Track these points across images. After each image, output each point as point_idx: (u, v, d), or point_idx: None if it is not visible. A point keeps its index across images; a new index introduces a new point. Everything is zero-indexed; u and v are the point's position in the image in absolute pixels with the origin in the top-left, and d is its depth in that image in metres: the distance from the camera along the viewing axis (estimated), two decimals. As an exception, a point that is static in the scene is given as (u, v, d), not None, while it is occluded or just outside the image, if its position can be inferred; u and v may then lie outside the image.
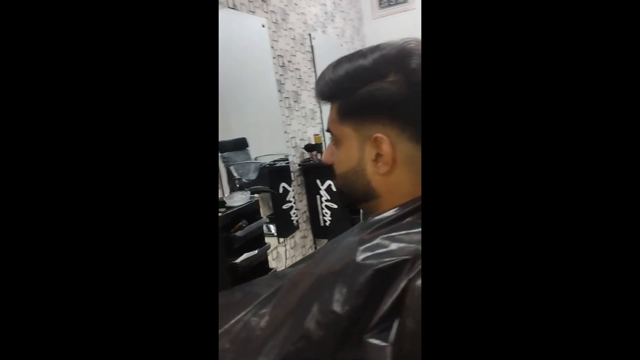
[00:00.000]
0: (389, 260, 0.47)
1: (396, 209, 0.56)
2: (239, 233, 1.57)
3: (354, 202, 0.63)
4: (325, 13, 3.33)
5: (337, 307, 0.47)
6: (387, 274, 0.47)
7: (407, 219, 0.54)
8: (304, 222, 2.78)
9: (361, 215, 0.66)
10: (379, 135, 0.55)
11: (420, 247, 0.47)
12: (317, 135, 2.89)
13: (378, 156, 0.56)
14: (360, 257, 0.50)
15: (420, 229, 0.51)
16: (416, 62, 0.52)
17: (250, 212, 1.67)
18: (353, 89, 0.55)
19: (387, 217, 0.55)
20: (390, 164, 0.56)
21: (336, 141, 0.60)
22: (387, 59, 0.54)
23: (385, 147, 0.55)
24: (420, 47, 0.53)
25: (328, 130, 0.62)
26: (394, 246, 0.50)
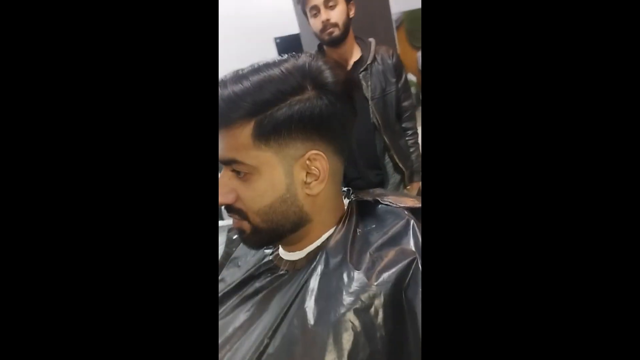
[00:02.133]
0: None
1: (336, 227, 0.55)
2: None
3: (279, 236, 0.54)
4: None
5: None
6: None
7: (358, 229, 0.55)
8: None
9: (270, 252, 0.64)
10: (315, 152, 0.50)
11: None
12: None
13: (309, 176, 0.52)
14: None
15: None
16: (329, 75, 0.50)
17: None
18: (271, 103, 0.47)
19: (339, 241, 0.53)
20: (325, 181, 0.52)
21: (247, 172, 0.50)
22: (302, 71, 0.49)
23: (323, 164, 0.51)
24: (324, 63, 0.51)
25: (228, 162, 0.50)
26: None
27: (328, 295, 0.48)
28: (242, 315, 0.56)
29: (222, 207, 0.54)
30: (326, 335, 0.45)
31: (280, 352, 0.47)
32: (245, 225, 0.53)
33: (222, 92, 0.48)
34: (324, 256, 0.52)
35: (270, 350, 0.47)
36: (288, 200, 0.52)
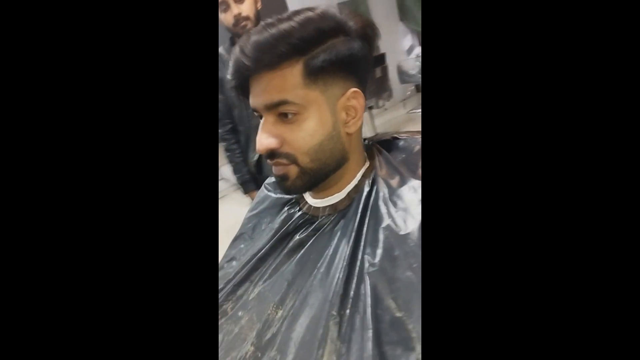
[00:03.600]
0: None
1: (366, 165, 0.61)
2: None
3: (324, 176, 0.57)
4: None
5: None
6: None
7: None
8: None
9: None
10: (355, 89, 0.54)
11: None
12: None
13: (348, 114, 0.55)
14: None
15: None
16: (354, 23, 0.53)
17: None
18: (316, 42, 0.50)
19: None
20: (361, 119, 0.56)
21: (296, 113, 0.51)
22: (334, 17, 0.52)
23: (361, 102, 0.55)
24: (347, 13, 0.54)
25: (276, 105, 0.51)
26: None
27: (405, 206, 0.52)
28: (293, 268, 0.59)
29: (264, 156, 0.55)
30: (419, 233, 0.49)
31: (384, 262, 0.50)
32: (293, 170, 0.54)
33: (259, 36, 0.49)
34: (379, 182, 0.57)
35: (369, 268, 0.50)
36: (334, 138, 0.54)
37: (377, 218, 0.53)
